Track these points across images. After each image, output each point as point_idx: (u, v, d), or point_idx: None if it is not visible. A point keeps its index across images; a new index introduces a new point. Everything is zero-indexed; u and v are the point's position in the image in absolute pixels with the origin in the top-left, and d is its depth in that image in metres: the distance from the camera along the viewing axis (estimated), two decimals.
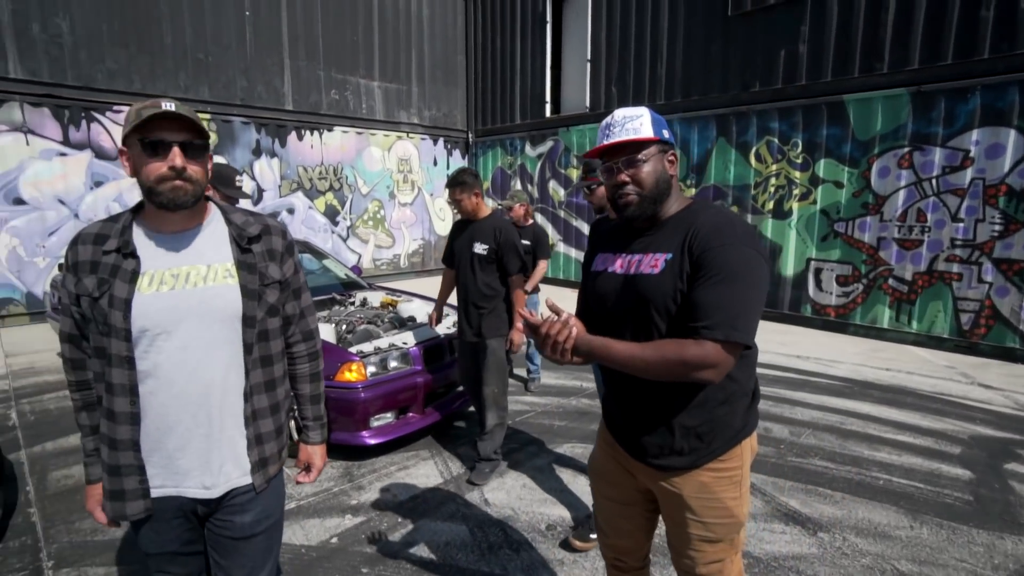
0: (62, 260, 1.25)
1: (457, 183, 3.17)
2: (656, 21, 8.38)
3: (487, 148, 11.45)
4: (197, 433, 1.27)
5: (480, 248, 3.17)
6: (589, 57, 9.39)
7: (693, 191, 8.09)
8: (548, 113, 10.34)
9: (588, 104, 9.50)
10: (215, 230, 1.32)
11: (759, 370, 5.38)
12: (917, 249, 6.20)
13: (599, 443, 1.67)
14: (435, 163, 11.41)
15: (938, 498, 3.05)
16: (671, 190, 1.41)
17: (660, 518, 1.60)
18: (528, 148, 10.56)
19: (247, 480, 1.35)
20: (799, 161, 7.04)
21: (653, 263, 1.35)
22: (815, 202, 6.94)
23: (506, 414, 3.32)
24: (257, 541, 1.39)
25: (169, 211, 1.23)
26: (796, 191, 7.09)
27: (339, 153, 9.95)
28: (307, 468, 1.60)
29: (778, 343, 6.30)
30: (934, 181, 6.03)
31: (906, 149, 6.18)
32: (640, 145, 1.36)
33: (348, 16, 9.88)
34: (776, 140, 7.21)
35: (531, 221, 4.78)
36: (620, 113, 1.38)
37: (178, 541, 1.34)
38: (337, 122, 9.86)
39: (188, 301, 1.23)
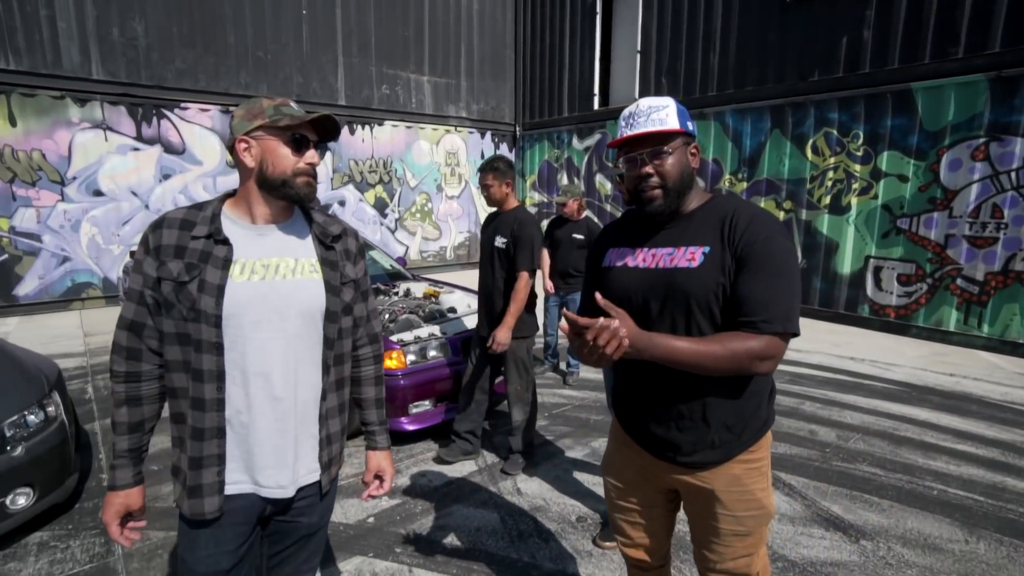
0: (134, 248, 1.33)
1: (491, 168, 3.16)
2: (710, 9, 8.11)
3: (534, 141, 11.44)
4: (276, 427, 1.27)
5: (500, 242, 3.16)
6: (639, 48, 9.20)
7: (745, 185, 7.82)
8: (596, 106, 10.22)
9: (637, 96, 9.31)
10: (300, 226, 1.35)
11: (808, 371, 5.20)
12: (991, 247, 5.77)
13: (614, 447, 1.63)
14: (482, 156, 11.50)
15: (1000, 512, 2.86)
16: (693, 183, 1.39)
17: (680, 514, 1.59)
18: (575, 141, 10.48)
19: (315, 478, 1.36)
20: (859, 154, 6.67)
21: (690, 256, 1.32)
22: (876, 196, 6.57)
23: (531, 409, 3.32)
24: (317, 537, 1.45)
25: (284, 202, 1.28)
26: (856, 185, 6.73)
27: (389, 146, 10.20)
28: (377, 477, 1.54)
29: (831, 344, 6.02)
30: (1013, 174, 5.59)
31: (982, 140, 5.75)
32: (665, 136, 1.33)
33: (399, 12, 10.08)
34: (835, 132, 6.86)
35: (584, 215, 4.76)
36: (645, 103, 1.35)
37: (234, 557, 1.29)
38: (387, 116, 10.10)
39: (278, 291, 1.25)
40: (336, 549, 2.54)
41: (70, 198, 7.45)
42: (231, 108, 8.28)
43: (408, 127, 10.40)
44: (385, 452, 1.55)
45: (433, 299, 4.55)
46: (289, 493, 1.31)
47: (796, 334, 1.24)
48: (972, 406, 4.33)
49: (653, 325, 1.35)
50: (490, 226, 3.30)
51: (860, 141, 6.66)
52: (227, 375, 1.22)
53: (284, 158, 1.24)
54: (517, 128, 11.84)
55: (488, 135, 11.58)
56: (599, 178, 10.07)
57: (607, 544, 2.57)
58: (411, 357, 3.48)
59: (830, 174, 6.97)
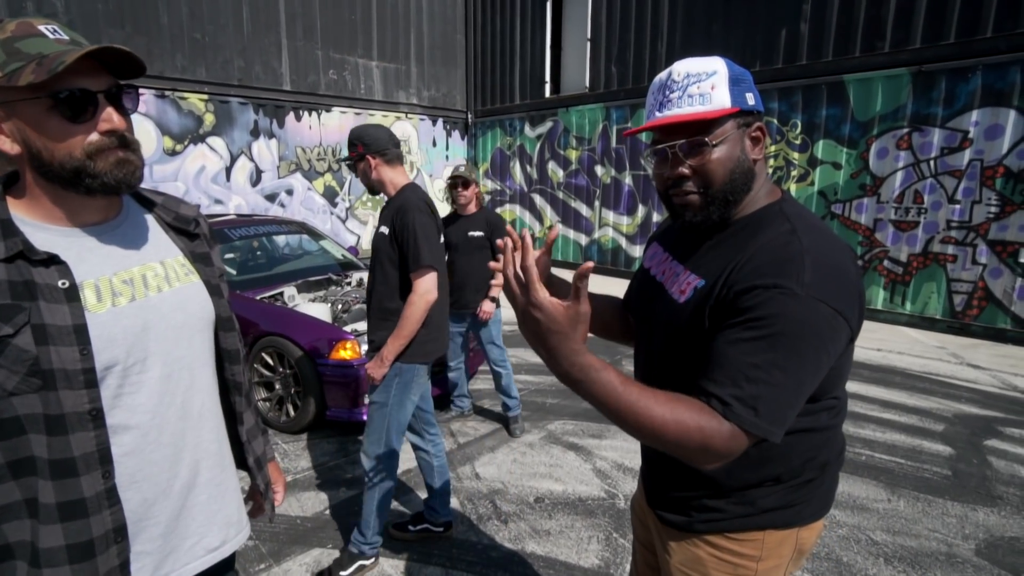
0: None
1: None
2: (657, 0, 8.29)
3: (486, 129, 11.40)
4: (198, 483, 1.00)
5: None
6: (589, 36, 9.30)
7: None
8: (548, 93, 10.26)
9: (588, 84, 9.43)
10: (138, 217, 0.99)
11: None
12: (913, 231, 6.21)
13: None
14: (434, 144, 11.37)
15: (917, 473, 3.13)
16: (755, 180, 0.99)
17: None
18: (528, 129, 10.51)
19: (249, 519, 1.15)
20: (798, 142, 7.01)
21: (684, 286, 1.01)
22: (813, 183, 6.93)
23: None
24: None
25: (91, 196, 0.87)
26: (794, 172, 7.08)
27: (337, 134, 9.93)
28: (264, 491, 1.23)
29: None
30: (932, 162, 6.02)
31: (905, 130, 6.15)
32: (709, 123, 0.93)
33: None
34: (775, 121, 7.17)
35: (481, 206, 3.71)
36: (682, 68, 0.94)
37: None
38: (335, 102, 9.82)
39: (160, 311, 0.93)
40: (294, 543, 2.52)
41: None
42: (167, 92, 7.85)
43: (357, 113, 10.15)
44: (273, 463, 1.31)
45: None
46: (226, 552, 1.06)
47: (760, 437, 0.84)
48: (896, 378, 4.68)
49: (648, 354, 1.08)
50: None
51: (798, 130, 6.99)
52: (116, 447, 0.87)
53: (60, 134, 0.81)
54: (469, 115, 11.76)
55: (440, 122, 11.44)
56: (552, 165, 10.15)
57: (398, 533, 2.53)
58: (366, 347, 3.45)
59: (771, 162, 7.30)
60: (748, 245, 0.94)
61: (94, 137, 0.83)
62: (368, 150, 2.22)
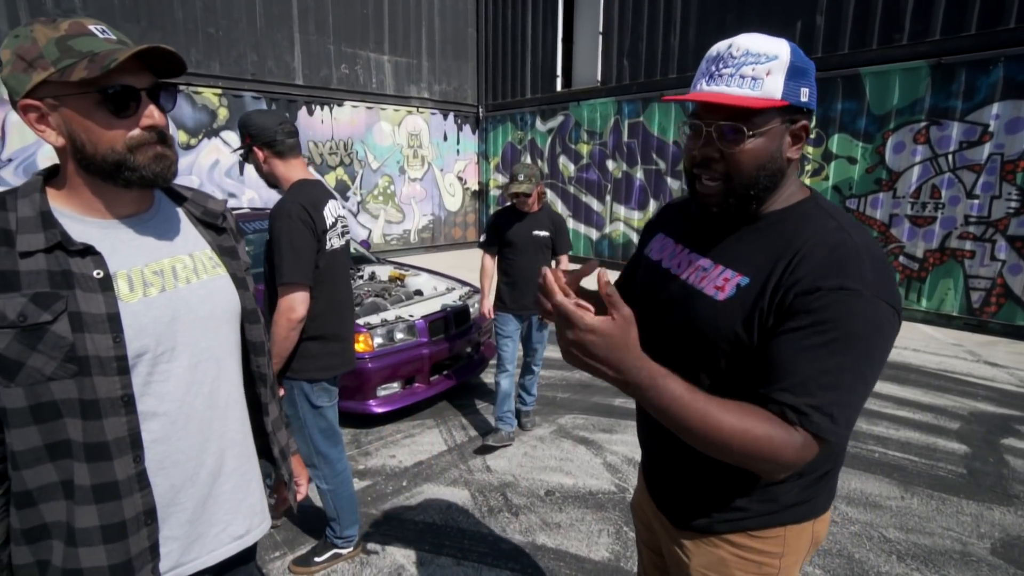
0: None
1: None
2: None
3: (497, 123, 11.37)
4: (224, 471, 1.02)
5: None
6: (601, 30, 9.22)
7: None
8: (559, 87, 10.21)
9: (599, 78, 9.37)
10: (169, 211, 1.03)
11: None
12: (930, 226, 6.12)
13: (639, 473, 1.33)
14: (445, 138, 11.37)
15: (931, 471, 3.10)
16: (783, 180, 0.95)
17: None
18: (539, 123, 10.47)
19: (267, 517, 1.15)
20: (812, 136, 6.90)
21: (721, 282, 0.95)
22: (827, 178, 6.84)
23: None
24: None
25: (129, 189, 0.91)
26: (808, 167, 6.99)
27: (349, 128, 9.96)
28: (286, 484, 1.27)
29: None
30: (950, 157, 5.91)
31: (923, 124, 6.05)
32: (753, 110, 0.87)
33: None
34: None
35: (543, 204, 3.66)
36: (743, 43, 0.87)
37: None
38: (347, 97, 9.84)
39: (188, 303, 0.96)
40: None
41: (6, 181, 7.01)
42: (181, 87, 7.92)
43: (369, 108, 10.17)
44: (296, 456, 1.34)
45: (399, 282, 4.54)
46: (248, 541, 1.08)
47: (838, 444, 0.82)
48: (911, 375, 4.63)
49: (672, 355, 0.96)
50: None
51: (813, 124, 6.88)
52: (146, 433, 0.90)
53: (103, 129, 0.84)
54: (480, 109, 11.73)
55: (451, 116, 11.43)
56: (563, 160, 10.11)
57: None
58: (378, 340, 3.49)
59: None
60: (793, 242, 0.89)
61: (136, 132, 0.87)
62: (255, 141, 1.96)
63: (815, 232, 0.89)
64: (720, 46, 0.90)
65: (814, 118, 6.36)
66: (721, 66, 0.88)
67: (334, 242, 2.08)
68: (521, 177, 3.24)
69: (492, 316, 3.50)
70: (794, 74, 0.86)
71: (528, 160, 10.75)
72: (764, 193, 0.93)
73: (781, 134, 0.90)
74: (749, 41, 0.87)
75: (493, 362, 4.40)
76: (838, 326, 0.81)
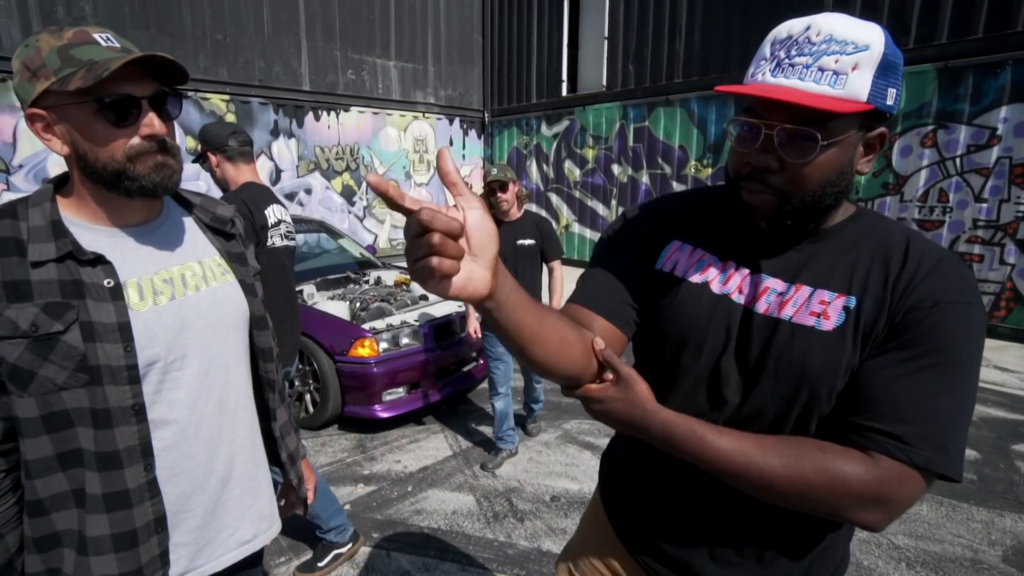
0: None
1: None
2: None
3: (503, 128, 11.41)
4: (233, 477, 1.02)
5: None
6: (607, 34, 9.25)
7: (710, 171, 7.99)
8: (564, 92, 10.23)
9: (605, 83, 9.38)
10: (178, 218, 1.02)
11: None
12: (937, 230, 6.07)
13: (586, 541, 1.09)
14: (451, 143, 11.41)
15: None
16: (843, 200, 0.79)
17: None
18: (544, 128, 10.49)
19: (277, 520, 1.16)
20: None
21: (819, 307, 0.76)
22: None
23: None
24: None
25: (131, 198, 0.90)
26: None
27: (356, 133, 10.02)
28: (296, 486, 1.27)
29: None
30: (958, 160, 5.88)
31: (930, 127, 6.02)
32: (831, 114, 0.69)
33: None
34: None
35: (524, 209, 3.26)
36: (827, 26, 0.70)
37: None
38: (354, 102, 9.91)
39: (197, 310, 0.96)
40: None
41: (17, 187, 7.09)
42: (189, 93, 8.00)
43: (375, 113, 10.23)
44: (304, 460, 1.34)
45: (405, 287, 4.55)
46: (256, 545, 1.08)
47: (954, 479, 0.70)
48: None
49: (725, 408, 0.82)
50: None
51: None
52: (156, 441, 0.91)
53: (104, 137, 0.84)
54: (486, 114, 11.78)
55: (457, 121, 11.48)
56: (568, 164, 10.12)
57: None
58: (383, 345, 3.49)
59: None
60: (880, 250, 0.77)
61: (135, 141, 0.86)
62: (208, 147, 2.18)
63: (906, 237, 0.78)
64: (793, 25, 0.71)
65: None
66: (794, 52, 0.69)
67: (275, 240, 2.18)
68: (495, 171, 2.98)
69: (479, 336, 3.30)
70: (885, 70, 0.69)
71: (533, 165, 10.77)
72: (825, 213, 0.77)
73: (855, 143, 0.73)
74: (834, 23, 0.69)
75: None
76: (951, 343, 0.71)
